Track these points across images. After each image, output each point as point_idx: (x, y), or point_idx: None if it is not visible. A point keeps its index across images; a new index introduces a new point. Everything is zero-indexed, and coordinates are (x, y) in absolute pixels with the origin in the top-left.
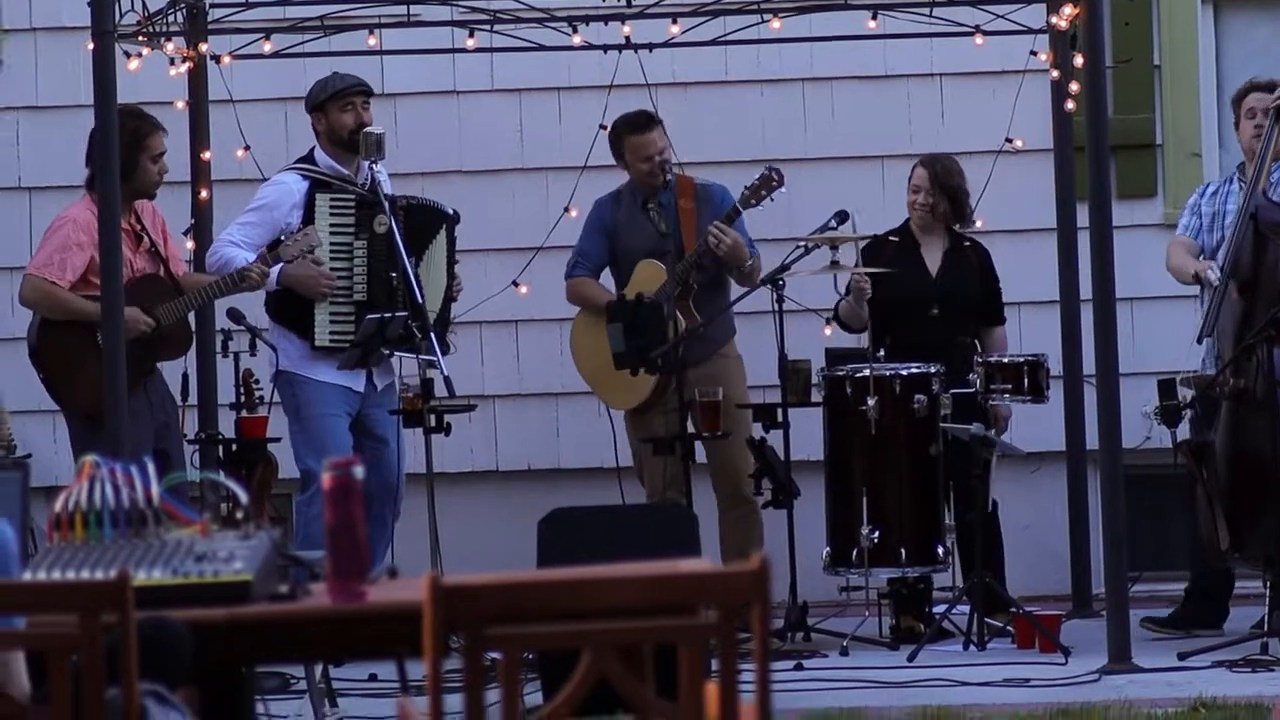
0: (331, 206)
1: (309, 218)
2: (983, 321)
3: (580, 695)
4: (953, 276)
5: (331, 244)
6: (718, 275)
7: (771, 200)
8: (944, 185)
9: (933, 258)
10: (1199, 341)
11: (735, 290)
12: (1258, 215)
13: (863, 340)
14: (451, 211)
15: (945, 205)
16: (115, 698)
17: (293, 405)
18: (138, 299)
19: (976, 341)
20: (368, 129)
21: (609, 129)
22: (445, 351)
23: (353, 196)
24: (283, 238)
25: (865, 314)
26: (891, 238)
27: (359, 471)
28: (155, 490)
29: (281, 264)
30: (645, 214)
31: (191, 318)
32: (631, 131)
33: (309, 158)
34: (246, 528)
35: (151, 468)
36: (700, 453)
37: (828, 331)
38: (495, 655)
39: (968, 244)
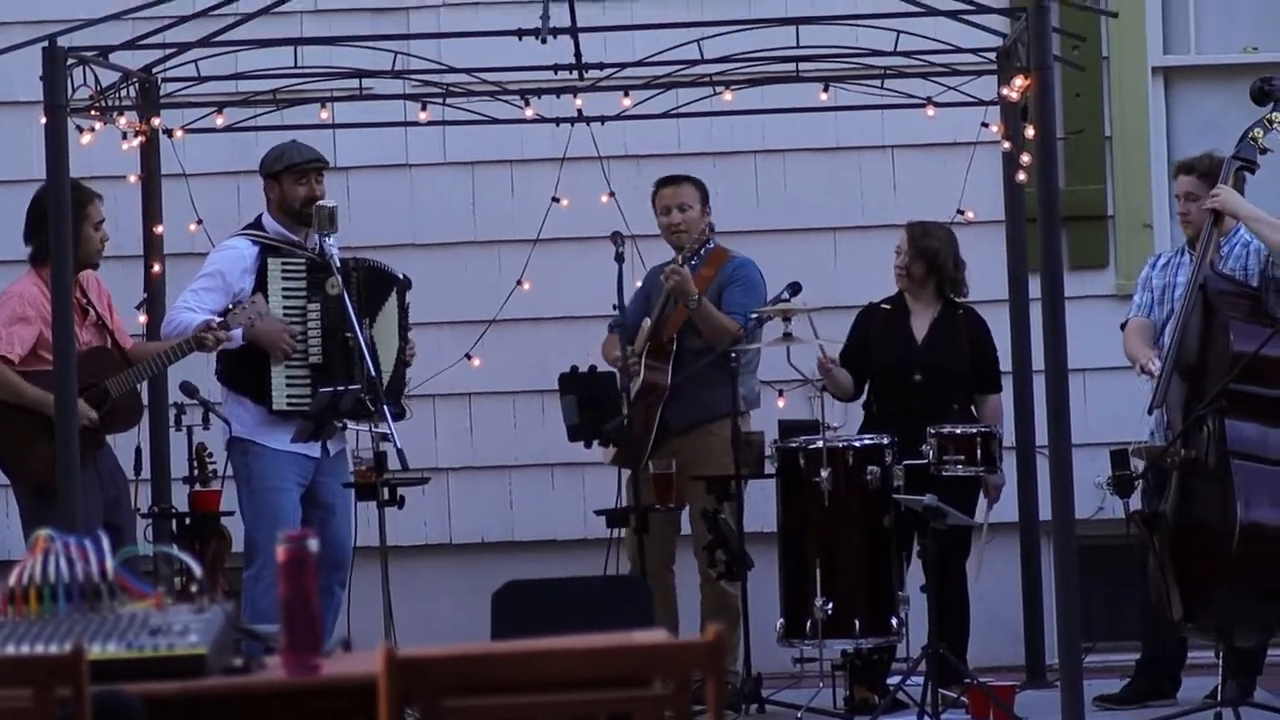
0: (284, 270)
1: (260, 282)
2: (976, 389)
3: None
4: (939, 344)
5: (285, 308)
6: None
7: (702, 255)
8: (921, 248)
9: (920, 325)
10: (1149, 413)
11: (742, 370)
12: (1206, 286)
13: (815, 412)
14: (402, 276)
15: (921, 269)
16: None
17: (245, 475)
18: (86, 372)
19: (973, 409)
20: (321, 203)
21: None
22: (400, 416)
23: (304, 260)
24: (230, 306)
25: (843, 381)
26: (884, 305)
27: (314, 545)
28: (109, 564)
29: (241, 327)
30: None
31: (144, 391)
32: (659, 185)
33: (257, 224)
34: (201, 601)
35: (106, 541)
36: (687, 524)
37: (781, 403)
38: None
39: (960, 312)
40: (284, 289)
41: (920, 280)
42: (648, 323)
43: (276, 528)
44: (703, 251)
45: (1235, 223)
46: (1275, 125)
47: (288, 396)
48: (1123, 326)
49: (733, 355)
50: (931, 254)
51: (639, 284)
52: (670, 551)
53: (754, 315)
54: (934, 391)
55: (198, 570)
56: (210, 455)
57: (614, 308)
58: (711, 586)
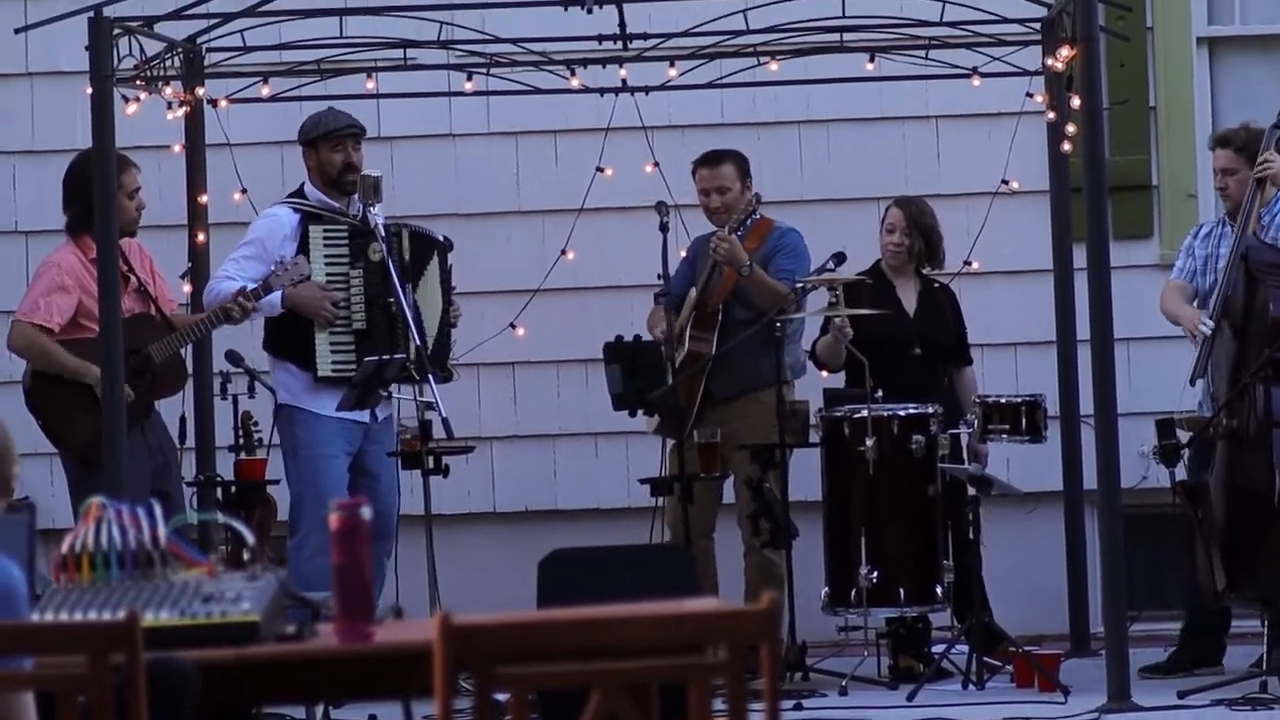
0: (325, 237)
1: (303, 250)
2: (952, 362)
3: None
4: (929, 317)
5: (328, 275)
6: (758, 314)
7: (748, 223)
8: (919, 225)
9: (908, 298)
10: (1192, 383)
11: (788, 339)
12: (1248, 256)
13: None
14: (442, 238)
15: (920, 245)
16: None
17: (292, 442)
18: (128, 339)
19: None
20: (366, 173)
21: None
22: (447, 379)
23: (345, 227)
24: (273, 268)
25: (843, 354)
26: (866, 280)
27: (367, 512)
28: (162, 531)
29: (283, 289)
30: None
31: (189, 359)
32: (698, 164)
33: (299, 192)
34: (253, 568)
35: (158, 509)
36: (729, 493)
37: (825, 373)
38: (499, 696)
39: (937, 285)
40: (326, 256)
41: (916, 256)
42: (694, 293)
43: (324, 495)
44: (749, 223)
45: (1276, 192)
46: None
47: (332, 364)
48: None
49: (778, 324)
50: (927, 230)
51: (683, 253)
52: (711, 520)
53: (799, 284)
54: (929, 364)
55: (250, 538)
56: (255, 423)
57: (658, 277)
58: (756, 555)
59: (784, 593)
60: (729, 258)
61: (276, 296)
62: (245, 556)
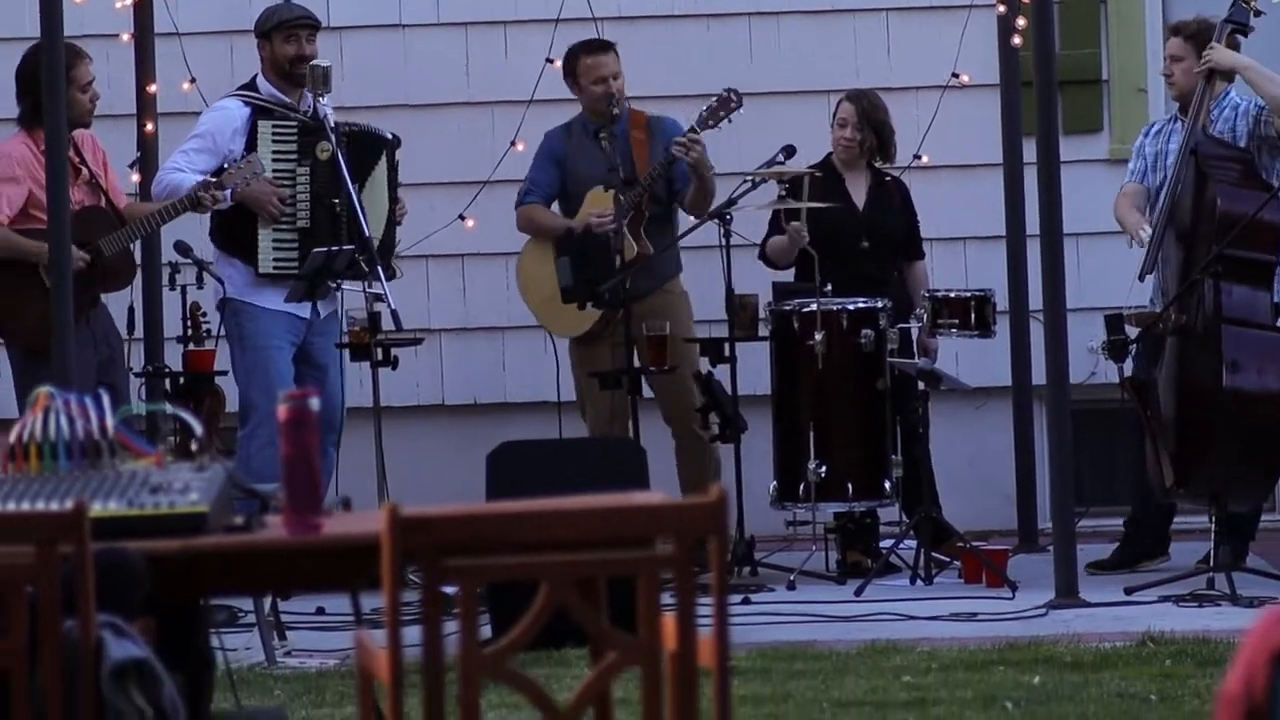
0: (274, 133)
1: (251, 144)
2: (903, 256)
3: (537, 627)
4: (879, 210)
5: (274, 170)
6: (668, 209)
7: (729, 122)
8: (871, 120)
9: (858, 192)
10: (1140, 279)
11: (684, 225)
12: (1198, 151)
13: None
14: (391, 136)
15: (872, 140)
16: (71, 629)
17: (237, 334)
18: (78, 231)
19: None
20: (315, 62)
21: (565, 55)
22: (391, 276)
23: (295, 123)
24: (226, 165)
25: (794, 254)
26: (815, 173)
27: (314, 403)
28: (110, 422)
29: (235, 186)
30: (596, 144)
31: (137, 250)
32: (586, 52)
33: (251, 85)
34: (201, 459)
35: (106, 400)
36: (647, 388)
37: (774, 271)
38: (447, 589)
39: (889, 179)
40: (275, 152)
41: (867, 151)
42: (600, 190)
43: (271, 386)
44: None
45: (1225, 86)
46: None
47: (274, 260)
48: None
49: (727, 217)
50: (879, 125)
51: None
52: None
53: (750, 177)
54: (878, 258)
55: (198, 428)
56: (204, 314)
57: (609, 171)
58: (689, 441)
59: (718, 479)
60: (701, 162)
61: (228, 191)
62: (193, 447)
